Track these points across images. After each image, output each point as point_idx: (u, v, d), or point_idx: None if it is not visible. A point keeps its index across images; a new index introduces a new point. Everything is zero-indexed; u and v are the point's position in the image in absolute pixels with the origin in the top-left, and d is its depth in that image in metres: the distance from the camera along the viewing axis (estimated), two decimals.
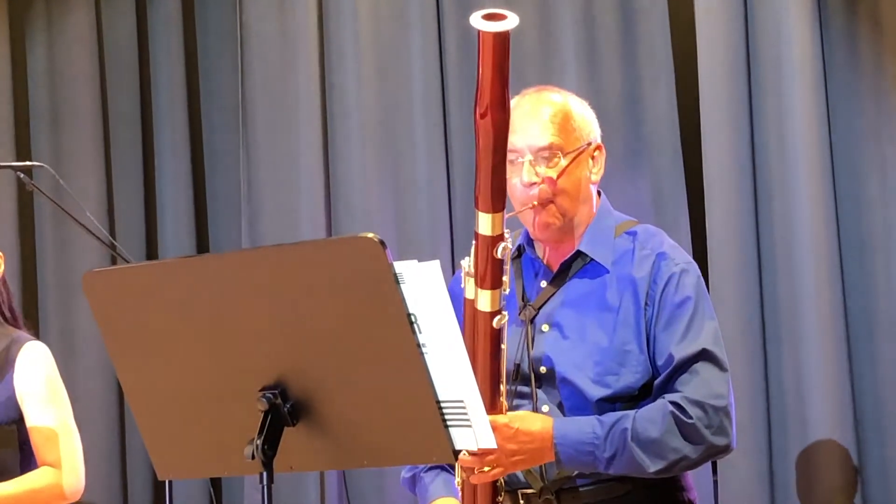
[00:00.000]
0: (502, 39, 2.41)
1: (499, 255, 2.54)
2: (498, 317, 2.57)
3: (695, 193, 4.60)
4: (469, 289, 2.58)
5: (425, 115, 4.95)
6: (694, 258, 4.44)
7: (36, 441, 3.49)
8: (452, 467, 2.96)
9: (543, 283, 2.90)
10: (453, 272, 3.69)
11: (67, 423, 3.54)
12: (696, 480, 4.33)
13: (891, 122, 4.43)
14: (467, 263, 2.58)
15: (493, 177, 2.50)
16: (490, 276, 2.55)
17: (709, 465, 4.41)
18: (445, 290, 2.09)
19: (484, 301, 2.57)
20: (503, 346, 2.61)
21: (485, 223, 2.53)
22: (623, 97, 4.72)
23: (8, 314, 3.63)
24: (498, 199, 2.52)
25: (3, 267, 3.62)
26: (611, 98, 4.71)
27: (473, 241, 2.57)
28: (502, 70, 2.44)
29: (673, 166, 4.65)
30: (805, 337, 4.35)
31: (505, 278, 2.57)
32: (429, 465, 2.98)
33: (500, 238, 2.54)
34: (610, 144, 4.64)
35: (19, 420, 3.49)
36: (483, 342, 2.58)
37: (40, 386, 3.51)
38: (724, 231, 4.46)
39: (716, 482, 4.43)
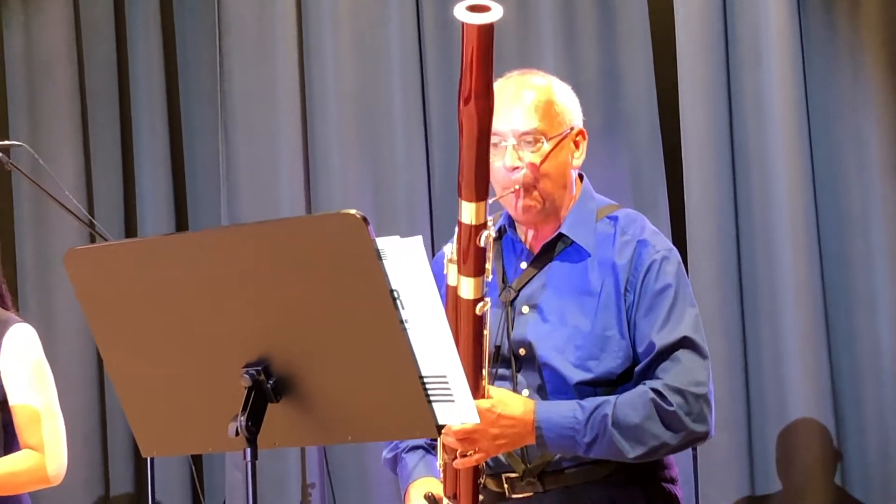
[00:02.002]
0: (487, 31, 2.40)
1: (481, 244, 2.54)
2: (480, 304, 2.57)
3: (673, 169, 4.61)
4: (452, 275, 2.58)
5: (403, 93, 4.95)
6: (672, 234, 4.51)
7: (19, 423, 3.46)
8: (434, 447, 2.98)
9: (524, 265, 2.91)
10: (433, 250, 3.71)
11: (52, 407, 3.51)
12: (676, 457, 4.38)
13: (868, 95, 4.44)
14: (450, 250, 2.58)
15: (476, 166, 2.49)
16: (473, 264, 2.54)
17: None
18: (428, 266, 2.10)
19: (467, 288, 2.57)
20: (485, 332, 2.61)
21: (468, 212, 2.53)
22: (601, 74, 4.73)
23: None
24: (481, 189, 2.51)
25: None
26: (589, 74, 4.71)
27: (456, 229, 2.56)
28: (486, 61, 2.43)
29: (651, 143, 4.66)
30: (783, 311, 4.37)
31: (488, 265, 2.57)
32: (410, 446, 3.00)
33: (483, 226, 2.54)
34: (588, 121, 4.65)
35: (3, 402, 3.46)
36: (465, 329, 2.57)
37: (26, 369, 3.49)
38: (703, 207, 4.47)
39: (695, 457, 4.45)
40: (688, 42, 4.52)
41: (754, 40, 4.46)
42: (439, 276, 2.57)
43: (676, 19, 4.55)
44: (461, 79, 2.45)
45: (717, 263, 4.45)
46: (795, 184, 4.37)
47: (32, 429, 3.46)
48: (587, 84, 4.70)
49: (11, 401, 3.46)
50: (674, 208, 4.60)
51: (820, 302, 4.37)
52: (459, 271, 2.57)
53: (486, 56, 2.42)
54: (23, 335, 3.53)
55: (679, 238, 4.53)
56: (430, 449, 2.99)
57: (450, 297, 2.59)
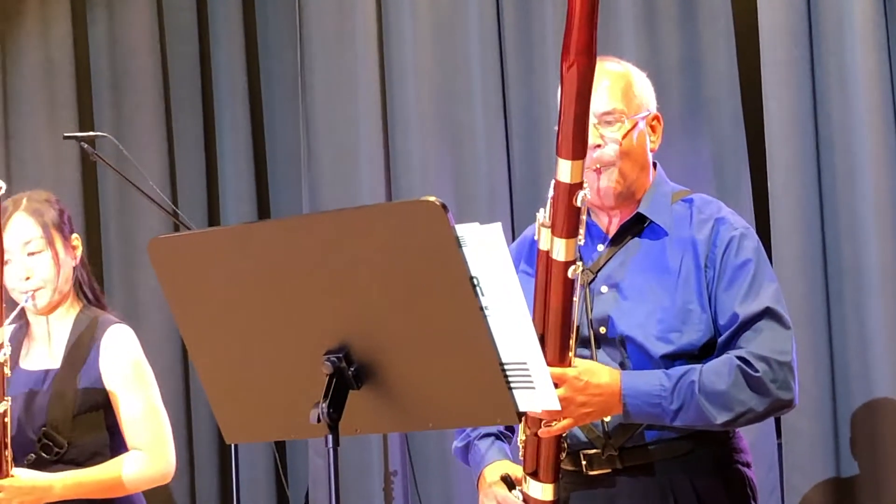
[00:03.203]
0: None
1: (578, 204, 2.56)
2: (573, 267, 2.58)
3: (756, 155, 4.56)
4: (544, 240, 2.60)
5: (483, 78, 4.94)
6: (756, 221, 4.47)
7: (124, 425, 3.48)
8: (506, 436, 3.04)
9: (601, 247, 2.94)
10: (513, 237, 3.70)
11: (155, 406, 3.52)
12: (760, 444, 4.35)
13: None
14: (542, 214, 2.60)
15: (575, 123, 2.52)
16: (567, 224, 2.57)
17: (773, 428, 4.40)
18: (508, 253, 2.10)
19: (559, 250, 2.58)
20: (575, 299, 2.62)
21: (565, 170, 2.55)
22: (682, 60, 4.68)
23: (90, 295, 3.61)
24: (580, 146, 2.54)
25: (81, 249, 3.62)
26: (670, 61, 4.68)
27: (551, 191, 2.59)
28: (591, 18, 2.46)
29: (734, 129, 4.61)
30: (869, 297, 4.31)
31: (581, 230, 2.60)
32: (482, 433, 3.03)
33: (580, 186, 2.56)
34: (669, 108, 4.65)
35: (106, 404, 3.48)
36: (556, 292, 2.59)
37: (126, 370, 3.50)
38: (787, 193, 4.41)
39: (780, 445, 4.41)
40: (771, 26, 4.46)
41: (838, 22, 4.40)
42: (516, 262, 2.57)
43: (759, 3, 4.50)
44: (565, 36, 2.47)
45: (801, 250, 4.39)
46: (881, 168, 4.30)
47: (137, 430, 3.48)
48: (668, 70, 4.66)
49: (114, 403, 3.48)
50: (757, 194, 4.55)
51: None
52: (553, 233, 2.58)
53: (590, 13, 2.45)
54: (121, 336, 3.54)
55: (763, 225, 4.48)
56: (502, 437, 3.04)
57: (541, 262, 2.61)
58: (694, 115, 4.66)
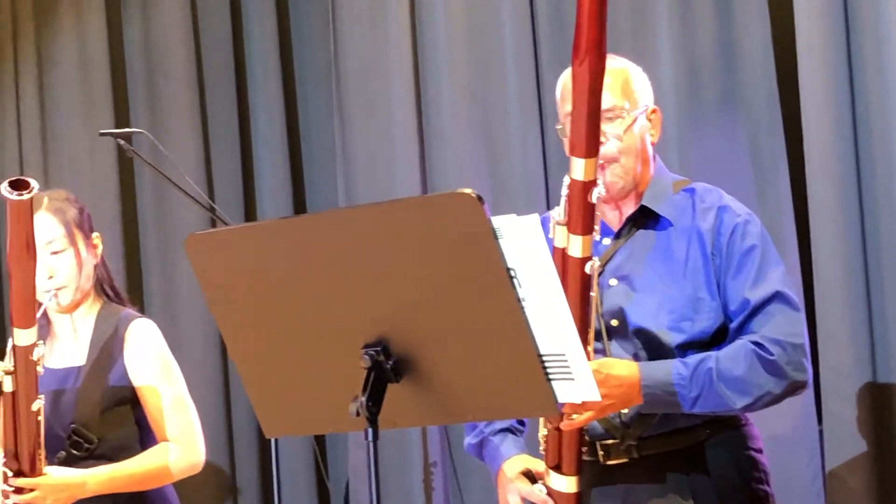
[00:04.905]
0: None
1: (593, 200, 2.60)
2: (589, 263, 2.62)
3: (793, 139, 4.53)
4: (559, 237, 2.63)
5: (517, 70, 4.93)
6: (794, 205, 4.43)
7: (153, 418, 3.50)
8: (518, 429, 3.09)
9: (606, 241, 2.99)
10: None
11: (182, 398, 3.54)
12: (801, 431, 4.32)
13: None
14: (557, 212, 2.63)
15: (588, 121, 2.55)
16: (583, 221, 2.61)
17: (814, 415, 4.37)
18: (545, 244, 2.11)
19: (576, 247, 2.62)
20: (593, 294, 2.66)
21: (579, 168, 2.59)
22: (717, 43, 4.66)
23: (111, 293, 3.63)
24: (592, 144, 2.58)
25: (101, 247, 3.63)
26: (705, 45, 4.65)
27: (565, 189, 2.62)
28: (600, 17, 2.48)
29: (770, 112, 4.58)
30: None
31: (596, 226, 2.63)
32: (496, 429, 3.07)
33: (593, 183, 2.60)
34: (705, 92, 4.63)
35: (134, 399, 3.50)
36: (574, 289, 2.62)
37: (152, 363, 3.52)
38: (824, 175, 4.38)
39: (821, 432, 4.39)
40: (806, 7, 4.42)
41: (873, 3, 4.36)
42: None
43: None
44: (575, 33, 2.50)
45: (839, 232, 4.35)
46: None
47: (166, 423, 3.50)
48: (703, 53, 4.64)
49: (142, 396, 3.51)
50: (794, 177, 4.52)
51: None
52: (569, 230, 2.62)
53: (599, 12, 2.47)
54: (146, 330, 3.57)
55: (801, 208, 4.45)
56: (515, 431, 3.08)
57: (557, 259, 2.63)
58: (729, 98, 4.63)
